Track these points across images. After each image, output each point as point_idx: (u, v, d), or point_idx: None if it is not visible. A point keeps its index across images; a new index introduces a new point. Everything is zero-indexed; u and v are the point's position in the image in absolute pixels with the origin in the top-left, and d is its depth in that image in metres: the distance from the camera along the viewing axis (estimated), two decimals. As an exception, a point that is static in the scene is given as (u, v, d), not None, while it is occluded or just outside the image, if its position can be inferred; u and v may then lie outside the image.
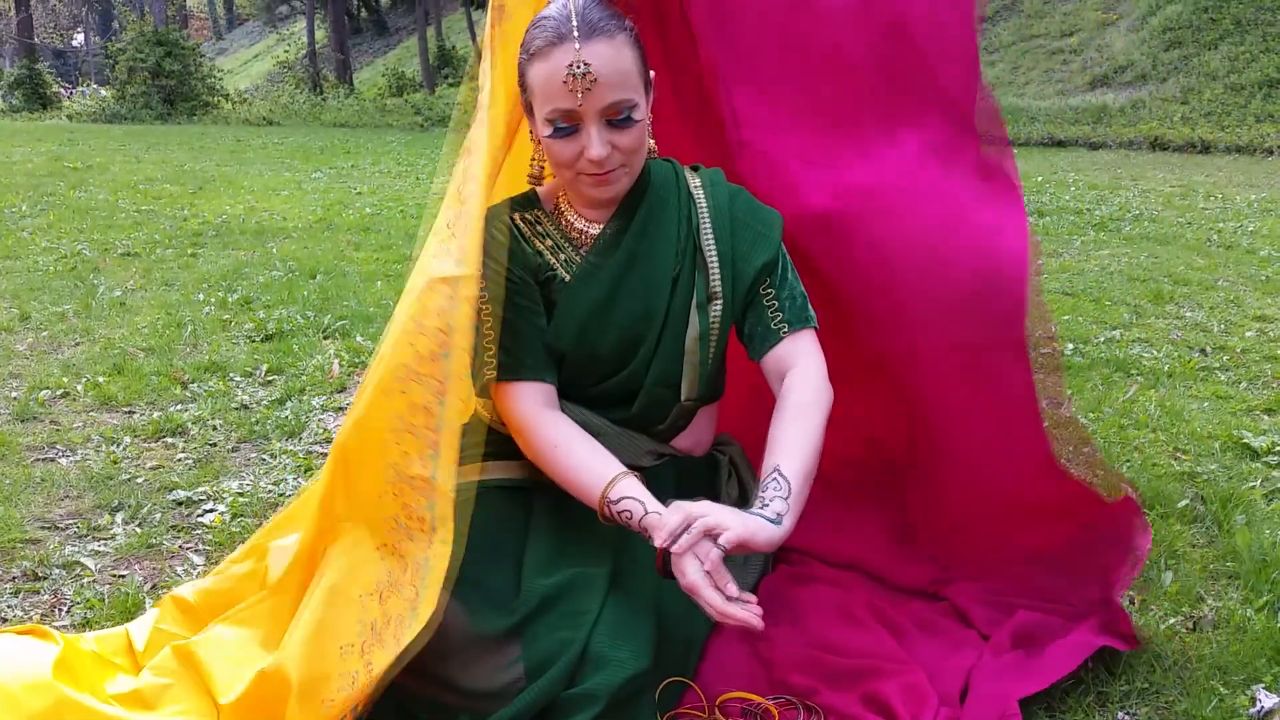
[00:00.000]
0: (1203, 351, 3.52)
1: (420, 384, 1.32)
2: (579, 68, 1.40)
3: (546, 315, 1.58)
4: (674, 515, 1.36)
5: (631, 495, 1.43)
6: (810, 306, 1.62)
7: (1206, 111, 13.29)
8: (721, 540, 1.31)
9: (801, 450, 1.45)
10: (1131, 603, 1.80)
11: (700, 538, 1.33)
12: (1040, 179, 9.10)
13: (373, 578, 1.34)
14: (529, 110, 1.51)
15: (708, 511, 1.35)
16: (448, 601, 1.35)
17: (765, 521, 1.35)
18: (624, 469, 1.47)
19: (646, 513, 1.41)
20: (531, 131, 1.54)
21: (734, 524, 1.33)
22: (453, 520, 1.33)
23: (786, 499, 1.39)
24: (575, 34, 1.40)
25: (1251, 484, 2.35)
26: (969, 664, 1.58)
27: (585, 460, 1.49)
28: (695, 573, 1.32)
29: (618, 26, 1.45)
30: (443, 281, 1.35)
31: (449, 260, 1.37)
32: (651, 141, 1.57)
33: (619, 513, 1.43)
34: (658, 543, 1.35)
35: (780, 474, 1.41)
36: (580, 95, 1.41)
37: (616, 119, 1.45)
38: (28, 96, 23.84)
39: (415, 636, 1.27)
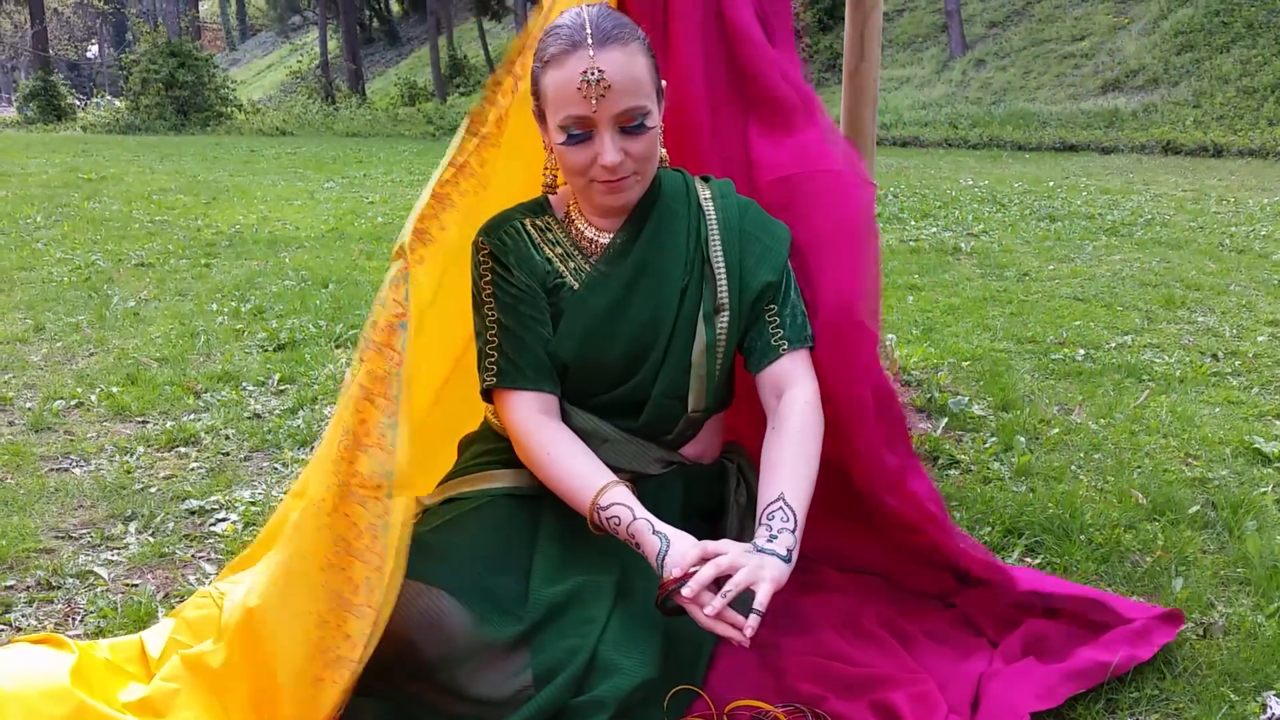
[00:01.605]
0: (1214, 357, 3.51)
1: (380, 355, 1.35)
2: (593, 74, 1.41)
3: (553, 324, 1.59)
4: (704, 568, 1.34)
5: (620, 502, 1.44)
6: (810, 325, 1.63)
7: (1218, 115, 13.26)
8: (757, 605, 1.31)
9: (803, 478, 1.47)
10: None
11: (734, 597, 1.32)
12: (1052, 184, 9.08)
13: (327, 550, 1.34)
14: (541, 118, 1.52)
15: (739, 563, 1.34)
16: (455, 608, 1.36)
17: (781, 563, 1.37)
18: (614, 478, 1.49)
19: (635, 518, 1.42)
20: (544, 140, 1.56)
21: (764, 580, 1.33)
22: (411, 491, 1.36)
23: (794, 532, 1.41)
24: (589, 41, 1.42)
25: (1263, 490, 2.34)
26: (979, 671, 1.58)
27: (577, 468, 1.50)
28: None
29: (631, 34, 1.46)
30: (398, 254, 1.40)
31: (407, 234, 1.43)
32: (663, 150, 1.58)
33: (607, 519, 1.44)
34: (686, 592, 1.33)
35: (786, 504, 1.43)
36: (594, 102, 1.42)
37: (630, 126, 1.46)
38: (43, 108, 24.07)
39: (386, 596, 1.28)
